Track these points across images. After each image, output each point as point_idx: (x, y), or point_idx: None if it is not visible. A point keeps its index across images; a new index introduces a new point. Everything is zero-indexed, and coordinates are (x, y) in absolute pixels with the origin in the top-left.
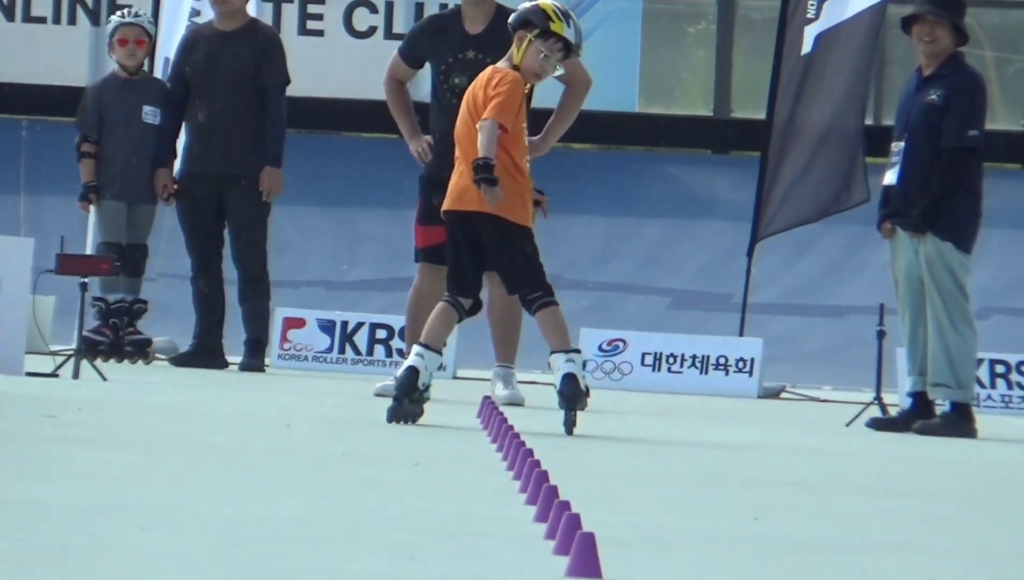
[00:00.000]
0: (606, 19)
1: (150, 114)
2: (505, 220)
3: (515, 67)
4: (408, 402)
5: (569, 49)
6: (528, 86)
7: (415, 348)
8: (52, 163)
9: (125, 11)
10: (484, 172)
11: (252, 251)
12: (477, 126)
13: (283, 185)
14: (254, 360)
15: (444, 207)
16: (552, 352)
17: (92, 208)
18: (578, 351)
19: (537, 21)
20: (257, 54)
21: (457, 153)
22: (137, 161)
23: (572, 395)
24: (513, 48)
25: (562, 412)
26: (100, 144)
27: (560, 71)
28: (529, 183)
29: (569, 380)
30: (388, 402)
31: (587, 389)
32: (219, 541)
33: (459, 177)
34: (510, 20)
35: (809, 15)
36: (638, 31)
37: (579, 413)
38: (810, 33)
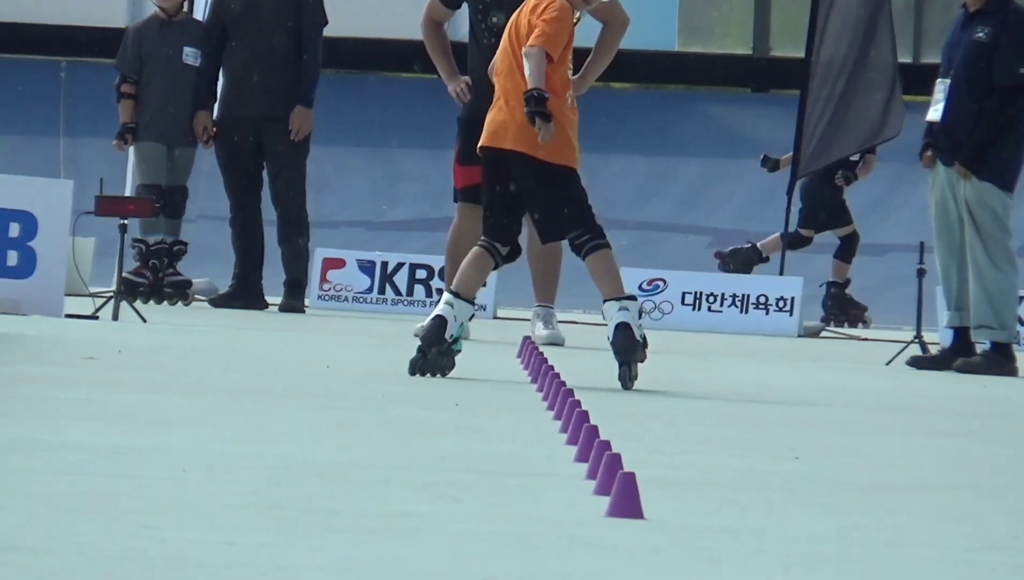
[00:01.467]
0: None
1: (190, 55)
2: (546, 162)
3: None
4: (435, 353)
5: None
6: (577, 16)
7: (445, 296)
8: (92, 104)
9: None
10: (537, 104)
11: (291, 192)
12: (523, 52)
13: (313, 124)
14: (294, 301)
15: (480, 144)
16: (605, 300)
17: (131, 149)
18: (633, 298)
19: None
20: None
21: (497, 89)
22: (177, 103)
23: (627, 347)
24: None
25: (617, 365)
26: (140, 85)
27: None
28: (574, 118)
29: (623, 330)
30: None
31: (644, 339)
32: (260, 482)
33: (496, 112)
34: None
35: None
36: None
37: (638, 365)
38: None
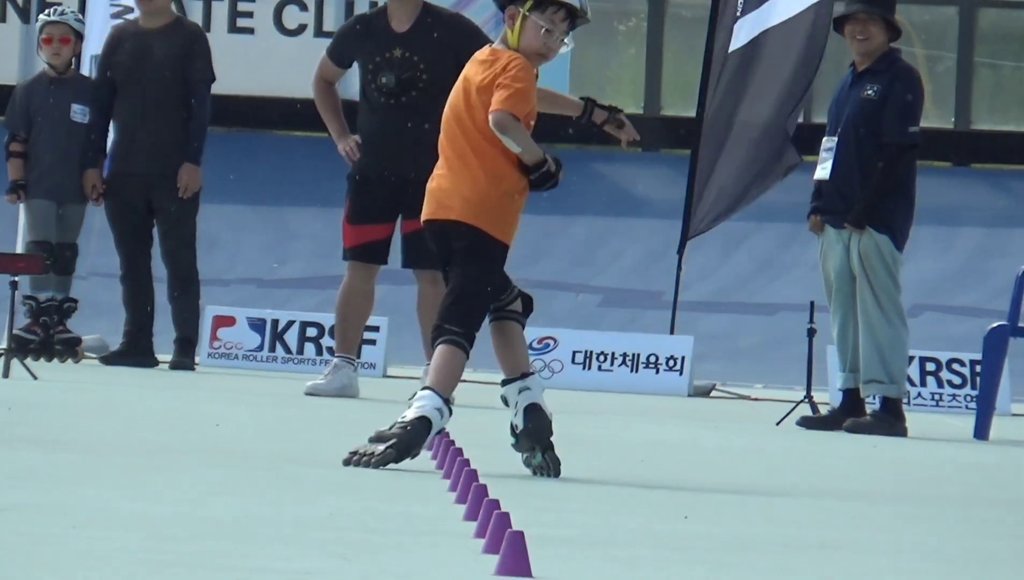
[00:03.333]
0: None
1: (79, 112)
2: (488, 235)
3: (515, 51)
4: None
5: (574, 16)
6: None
7: (432, 397)
8: None
9: (51, 9)
10: (540, 176)
11: (181, 249)
12: (492, 123)
13: (201, 182)
14: (184, 358)
15: (424, 216)
16: (424, 387)
17: (22, 206)
18: (448, 402)
19: None
20: (183, 51)
21: (440, 156)
22: (66, 160)
23: (411, 440)
24: (506, 30)
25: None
26: (29, 142)
27: (570, 45)
28: (522, 201)
29: (419, 424)
30: (317, 400)
31: (550, 418)
32: (149, 540)
33: (439, 181)
34: None
35: (738, 12)
36: None
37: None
38: (740, 29)
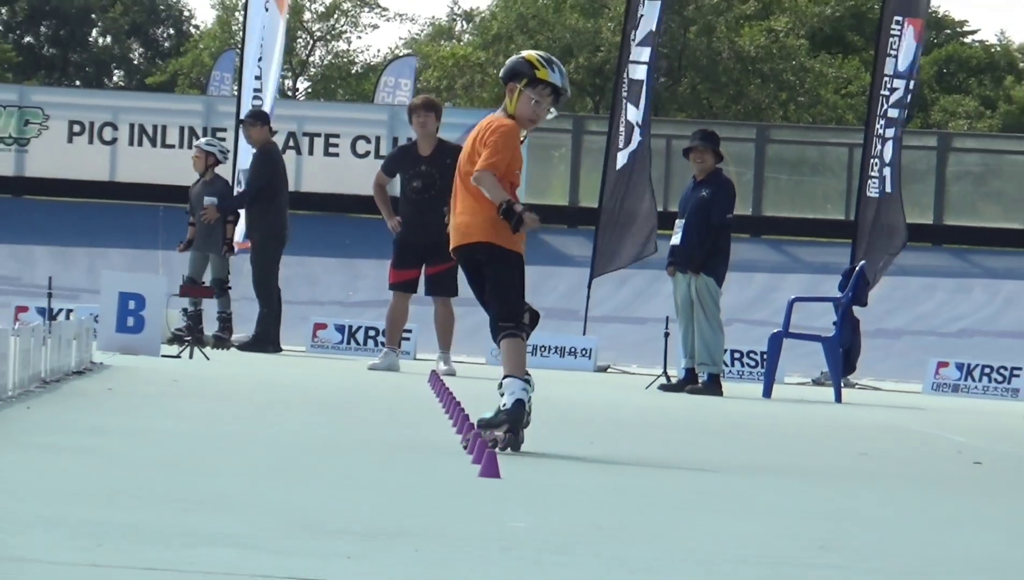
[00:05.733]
0: None
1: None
2: (500, 246)
3: (511, 116)
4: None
5: (558, 93)
6: (524, 133)
7: (514, 382)
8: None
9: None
10: (507, 215)
11: (262, 289)
12: (472, 180)
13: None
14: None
15: (452, 246)
16: (506, 376)
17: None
18: (527, 379)
19: (524, 71)
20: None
21: (452, 219)
22: (205, 228)
23: (518, 419)
24: (506, 100)
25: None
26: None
27: (553, 113)
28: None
29: (519, 405)
30: (375, 373)
31: (530, 412)
32: (262, 454)
33: (455, 220)
34: (500, 74)
35: (619, 145)
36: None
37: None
38: (622, 156)
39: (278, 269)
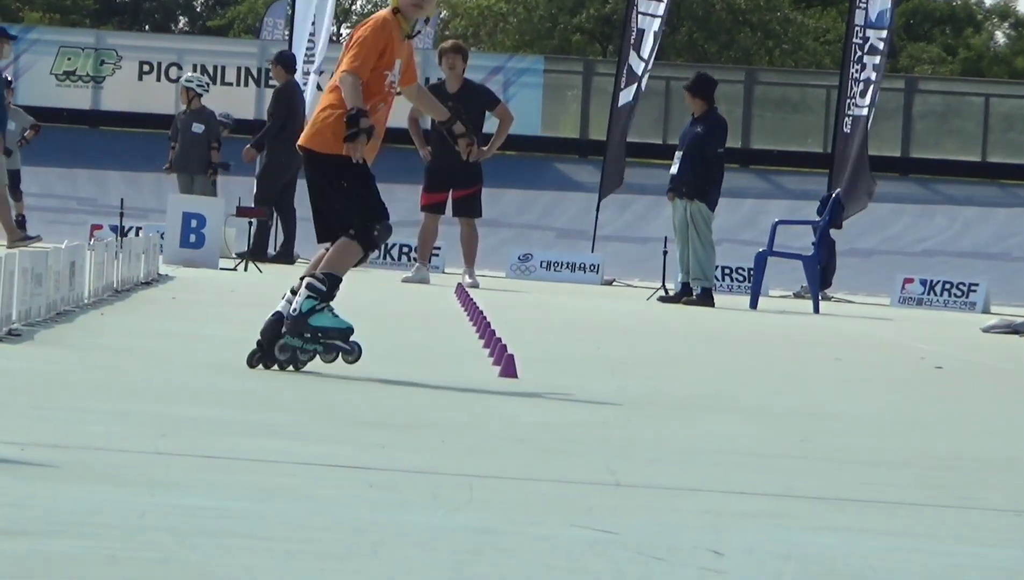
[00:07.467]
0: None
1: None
2: (321, 153)
3: (395, 10)
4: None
5: None
6: (414, 23)
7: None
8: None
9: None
10: (351, 125)
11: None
12: (339, 80)
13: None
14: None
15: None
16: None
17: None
18: (323, 283)
19: None
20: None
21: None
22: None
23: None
24: None
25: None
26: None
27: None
28: (382, 117)
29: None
30: (408, 285)
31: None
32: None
33: (315, 114)
34: None
35: (622, 86)
36: (540, 85)
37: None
38: (625, 96)
39: (278, 191)
